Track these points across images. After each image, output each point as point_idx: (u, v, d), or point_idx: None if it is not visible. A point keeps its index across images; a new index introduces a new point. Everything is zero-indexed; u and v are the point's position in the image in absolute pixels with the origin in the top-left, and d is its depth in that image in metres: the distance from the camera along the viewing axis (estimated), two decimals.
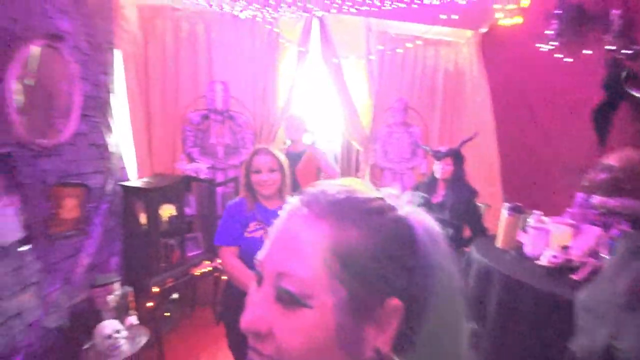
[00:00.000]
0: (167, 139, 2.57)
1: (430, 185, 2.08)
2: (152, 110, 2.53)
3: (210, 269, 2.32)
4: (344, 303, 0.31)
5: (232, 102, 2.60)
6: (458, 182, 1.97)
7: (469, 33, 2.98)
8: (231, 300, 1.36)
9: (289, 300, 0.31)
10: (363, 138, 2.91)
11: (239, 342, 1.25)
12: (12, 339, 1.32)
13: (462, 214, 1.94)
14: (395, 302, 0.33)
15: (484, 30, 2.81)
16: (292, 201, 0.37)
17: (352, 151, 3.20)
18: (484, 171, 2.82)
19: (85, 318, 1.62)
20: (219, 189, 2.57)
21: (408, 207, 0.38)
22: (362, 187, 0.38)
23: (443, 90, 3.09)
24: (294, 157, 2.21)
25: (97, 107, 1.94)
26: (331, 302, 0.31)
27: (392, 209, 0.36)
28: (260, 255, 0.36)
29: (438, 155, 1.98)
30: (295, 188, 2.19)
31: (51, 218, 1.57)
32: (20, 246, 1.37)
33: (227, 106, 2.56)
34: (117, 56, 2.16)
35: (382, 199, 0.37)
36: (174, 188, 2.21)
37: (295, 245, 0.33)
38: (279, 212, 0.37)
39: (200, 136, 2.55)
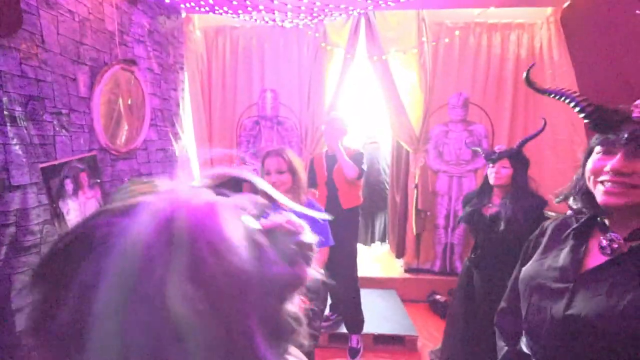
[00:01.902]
0: (226, 144, 2.87)
1: (482, 193, 1.74)
2: (213, 119, 2.88)
3: None
4: None
5: (281, 108, 2.75)
6: (519, 190, 1.60)
7: (548, 10, 2.53)
8: None
9: None
10: (411, 138, 2.73)
11: None
12: None
13: (524, 229, 1.51)
14: None
15: (566, 3, 2.34)
16: None
17: (403, 154, 3.02)
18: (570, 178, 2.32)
19: None
20: None
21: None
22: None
23: (514, 82, 2.69)
24: (333, 160, 2.20)
25: (165, 118, 2.30)
26: None
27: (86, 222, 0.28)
28: None
29: (491, 157, 1.65)
30: (333, 191, 2.19)
31: None
32: None
33: (276, 112, 2.73)
34: (186, 74, 2.53)
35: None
36: (225, 187, 2.45)
37: None
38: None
39: (252, 141, 2.78)
